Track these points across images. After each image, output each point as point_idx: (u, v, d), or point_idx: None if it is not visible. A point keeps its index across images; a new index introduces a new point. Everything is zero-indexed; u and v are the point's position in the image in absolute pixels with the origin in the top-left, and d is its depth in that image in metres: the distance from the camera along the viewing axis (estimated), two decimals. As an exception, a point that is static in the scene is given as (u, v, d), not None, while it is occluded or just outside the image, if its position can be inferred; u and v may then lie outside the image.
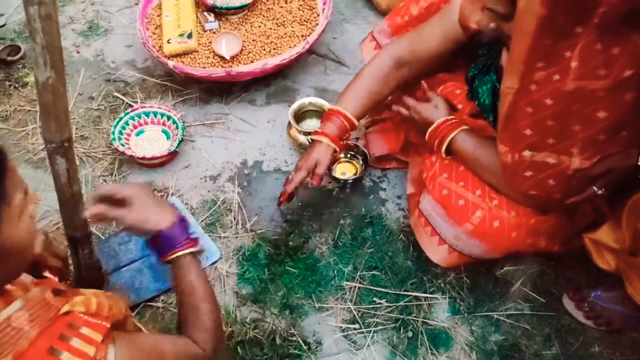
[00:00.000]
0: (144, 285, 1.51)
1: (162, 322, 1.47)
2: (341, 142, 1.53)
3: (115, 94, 1.96)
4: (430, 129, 1.43)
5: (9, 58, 2.04)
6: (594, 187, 1.18)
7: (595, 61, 1.01)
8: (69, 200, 1.20)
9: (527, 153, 1.16)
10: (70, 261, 1.34)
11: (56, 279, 1.14)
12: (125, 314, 1.00)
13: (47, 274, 1.02)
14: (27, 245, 0.81)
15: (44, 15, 0.93)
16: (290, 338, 1.44)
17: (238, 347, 1.42)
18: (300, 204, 1.70)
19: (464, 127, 1.39)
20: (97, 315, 0.86)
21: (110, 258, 1.54)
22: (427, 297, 1.52)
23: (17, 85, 1.99)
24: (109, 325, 0.83)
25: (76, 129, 1.86)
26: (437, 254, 1.43)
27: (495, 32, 1.17)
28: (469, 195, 1.34)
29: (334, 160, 1.72)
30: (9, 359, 0.72)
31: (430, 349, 1.44)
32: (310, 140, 1.56)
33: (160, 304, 1.50)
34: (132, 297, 1.48)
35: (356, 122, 1.52)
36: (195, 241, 1.11)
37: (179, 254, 1.08)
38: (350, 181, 1.72)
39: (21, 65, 2.05)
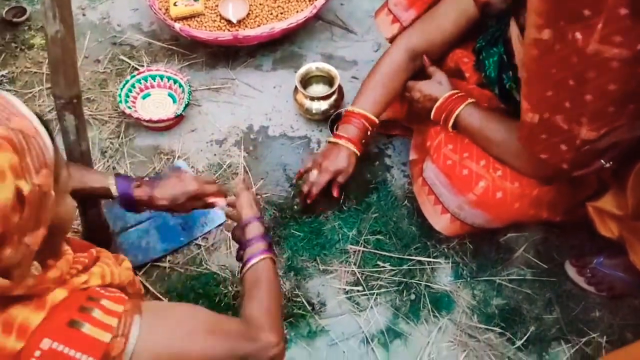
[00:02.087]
0: (151, 246, 1.53)
1: (169, 281, 1.49)
2: (362, 145, 1.50)
3: (122, 57, 1.96)
4: (436, 105, 1.40)
5: (15, 20, 2.03)
6: (602, 161, 1.18)
7: (618, 26, 0.99)
8: (78, 158, 1.21)
9: (545, 115, 1.14)
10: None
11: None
12: (132, 279, 1.00)
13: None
14: (71, 218, 0.81)
15: None
16: (295, 299, 1.46)
17: (245, 301, 1.44)
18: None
19: (470, 100, 1.37)
20: (110, 285, 0.86)
21: (118, 219, 1.56)
22: (430, 262, 1.54)
23: (23, 47, 1.98)
24: (126, 296, 0.82)
25: (83, 91, 1.85)
26: (440, 222, 1.44)
27: (505, 3, 1.16)
28: (473, 166, 1.34)
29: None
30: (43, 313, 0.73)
31: (432, 312, 1.46)
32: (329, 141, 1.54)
33: (167, 264, 1.52)
34: (139, 258, 1.50)
35: (376, 120, 1.50)
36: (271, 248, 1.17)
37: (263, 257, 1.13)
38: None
39: (27, 27, 2.04)
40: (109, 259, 0.94)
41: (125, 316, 0.77)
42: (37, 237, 0.70)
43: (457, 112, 1.36)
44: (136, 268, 1.47)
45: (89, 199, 1.30)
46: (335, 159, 1.48)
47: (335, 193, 1.49)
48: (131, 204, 1.22)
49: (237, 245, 1.55)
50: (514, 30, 1.27)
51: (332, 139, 1.51)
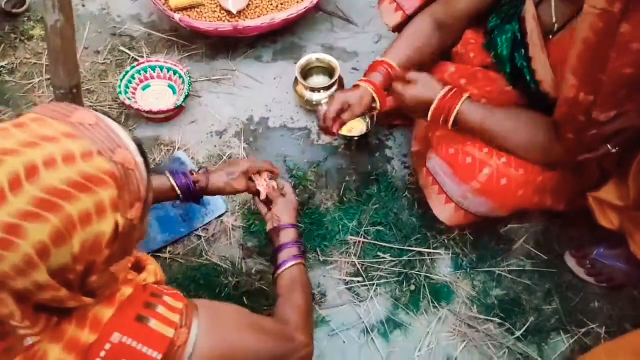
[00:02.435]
0: (152, 237, 1.53)
1: (170, 272, 1.49)
2: (383, 91, 1.42)
3: (121, 48, 1.95)
4: (432, 108, 1.32)
5: (14, 10, 2.02)
6: (608, 146, 1.18)
7: None
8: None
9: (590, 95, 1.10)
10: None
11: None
12: (160, 278, 1.02)
13: None
14: (144, 236, 0.83)
15: None
16: (295, 289, 1.47)
17: (244, 298, 1.45)
18: (306, 160, 1.71)
19: (466, 95, 1.32)
20: (159, 282, 0.88)
21: None
22: (430, 253, 1.54)
23: (22, 38, 1.98)
24: (182, 295, 0.84)
25: (83, 82, 1.85)
26: (444, 212, 1.43)
27: None
28: (476, 153, 1.32)
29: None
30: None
31: (432, 302, 1.47)
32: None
33: (167, 255, 1.53)
34: (139, 249, 1.50)
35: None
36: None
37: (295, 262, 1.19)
38: (356, 138, 1.72)
39: (26, 18, 2.03)
40: (146, 255, 0.96)
41: (186, 312, 0.80)
42: (123, 265, 0.73)
43: (456, 111, 1.30)
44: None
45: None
46: (349, 93, 1.42)
47: (334, 129, 1.41)
48: (194, 195, 1.24)
49: (237, 237, 1.57)
50: (530, 8, 1.26)
51: (358, 82, 1.44)
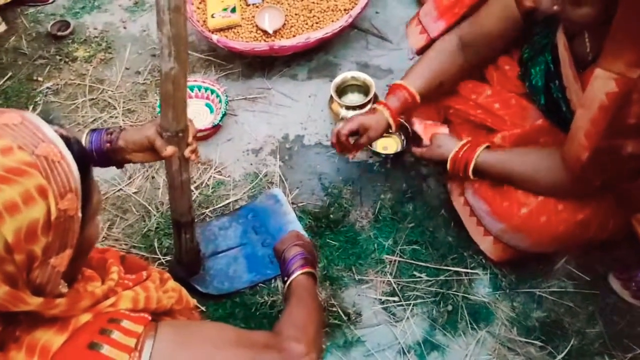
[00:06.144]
0: (238, 275, 1.52)
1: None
2: (399, 119, 1.50)
3: (161, 68, 2.00)
4: (448, 165, 1.41)
5: (59, 33, 2.10)
6: None
7: None
8: (178, 187, 1.24)
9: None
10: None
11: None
12: (178, 297, 1.01)
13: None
14: (97, 239, 0.84)
15: (173, 7, 0.94)
16: (331, 308, 1.46)
17: (280, 316, 1.44)
18: (340, 178, 1.71)
19: (482, 147, 1.37)
20: (144, 310, 0.86)
21: (209, 242, 1.57)
22: (467, 273, 1.52)
23: (67, 59, 2.05)
24: (149, 317, 0.82)
25: (123, 102, 1.91)
26: (484, 243, 1.46)
27: (552, 9, 1.13)
28: (513, 194, 1.33)
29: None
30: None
31: (470, 324, 1.44)
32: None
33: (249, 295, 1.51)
34: (225, 285, 1.50)
35: (418, 98, 1.48)
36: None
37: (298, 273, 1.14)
38: (391, 156, 1.72)
39: (70, 40, 2.11)
40: (154, 282, 0.95)
41: (144, 335, 0.78)
42: (63, 259, 0.72)
43: (472, 163, 1.36)
44: (220, 296, 1.49)
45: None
46: (367, 116, 1.48)
47: (350, 156, 1.51)
48: (105, 155, 1.17)
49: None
50: (561, 37, 1.24)
51: (375, 105, 1.50)
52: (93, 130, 1.16)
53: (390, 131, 1.50)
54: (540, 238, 1.31)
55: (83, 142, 1.13)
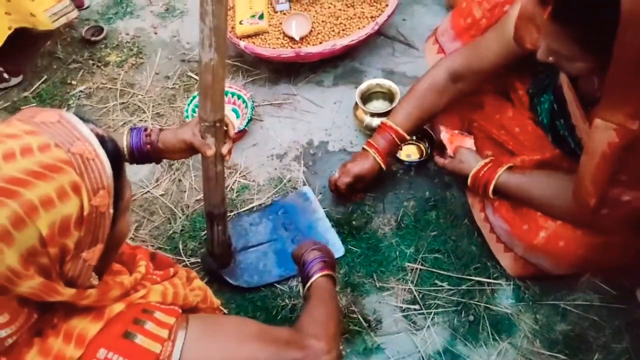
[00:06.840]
0: (268, 269, 1.55)
1: (229, 293, 1.52)
2: (389, 158, 1.58)
3: (189, 73, 2.04)
4: (469, 182, 1.44)
5: (93, 38, 2.16)
6: None
7: None
8: (212, 178, 1.27)
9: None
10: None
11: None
12: (204, 296, 1.04)
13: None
14: (127, 235, 0.87)
15: None
16: (351, 315, 1.47)
17: (300, 314, 1.45)
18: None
19: (504, 167, 1.38)
20: (172, 304, 0.89)
21: (240, 236, 1.60)
22: (490, 283, 1.50)
23: (99, 64, 2.11)
24: (180, 310, 0.85)
25: (152, 106, 1.95)
26: (504, 259, 1.47)
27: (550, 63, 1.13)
28: (532, 217, 1.33)
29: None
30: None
31: (492, 335, 1.43)
32: (365, 145, 1.60)
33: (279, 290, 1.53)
34: (255, 279, 1.53)
35: (407, 136, 1.55)
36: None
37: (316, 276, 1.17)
38: (415, 164, 1.72)
39: (103, 45, 2.17)
40: (181, 279, 0.98)
41: (176, 326, 0.81)
42: (94, 253, 0.75)
43: (493, 183, 1.38)
44: (250, 289, 1.52)
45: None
46: (358, 165, 1.55)
47: (354, 197, 1.60)
48: (145, 154, 1.22)
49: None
50: (564, 78, 1.23)
51: (366, 147, 1.57)
52: (132, 129, 1.22)
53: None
54: (558, 261, 1.30)
55: (123, 141, 1.19)
